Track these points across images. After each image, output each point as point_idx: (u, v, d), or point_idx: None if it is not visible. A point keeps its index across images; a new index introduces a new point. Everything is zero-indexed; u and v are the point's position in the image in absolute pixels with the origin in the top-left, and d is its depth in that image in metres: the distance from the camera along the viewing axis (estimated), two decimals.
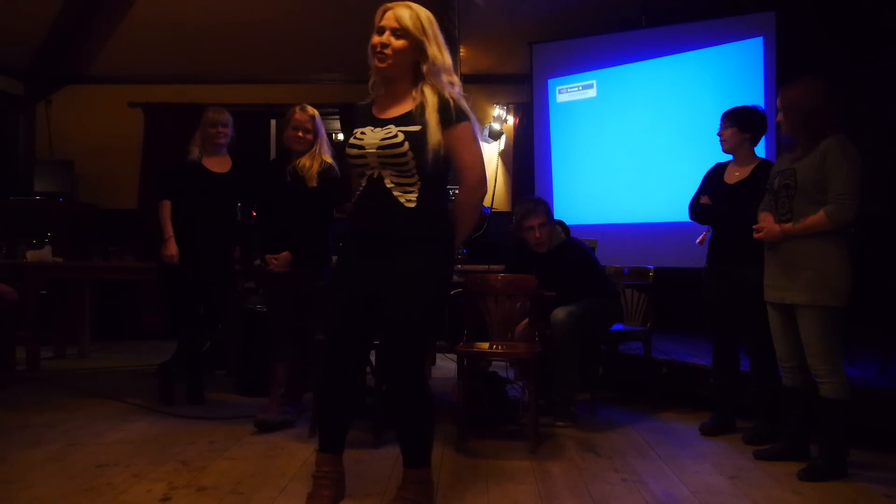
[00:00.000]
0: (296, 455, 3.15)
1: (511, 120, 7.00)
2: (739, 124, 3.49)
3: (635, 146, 6.01)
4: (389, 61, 2.37)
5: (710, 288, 3.56)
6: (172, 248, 4.02)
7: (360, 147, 2.39)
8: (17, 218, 6.33)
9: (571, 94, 6.40)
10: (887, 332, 4.03)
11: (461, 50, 6.56)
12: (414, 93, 2.41)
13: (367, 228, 2.41)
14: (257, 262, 3.81)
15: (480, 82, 7.05)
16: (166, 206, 4.08)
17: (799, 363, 3.02)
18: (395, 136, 2.34)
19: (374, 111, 2.48)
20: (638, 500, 2.65)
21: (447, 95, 2.39)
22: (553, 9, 6.28)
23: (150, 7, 6.32)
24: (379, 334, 2.46)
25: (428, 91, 2.38)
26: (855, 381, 3.12)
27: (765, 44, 5.42)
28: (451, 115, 2.36)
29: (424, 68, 2.38)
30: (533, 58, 6.54)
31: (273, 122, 7.31)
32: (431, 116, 2.34)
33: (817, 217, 2.87)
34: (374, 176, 2.39)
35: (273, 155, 7.21)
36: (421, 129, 2.34)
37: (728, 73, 5.59)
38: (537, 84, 6.55)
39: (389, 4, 2.40)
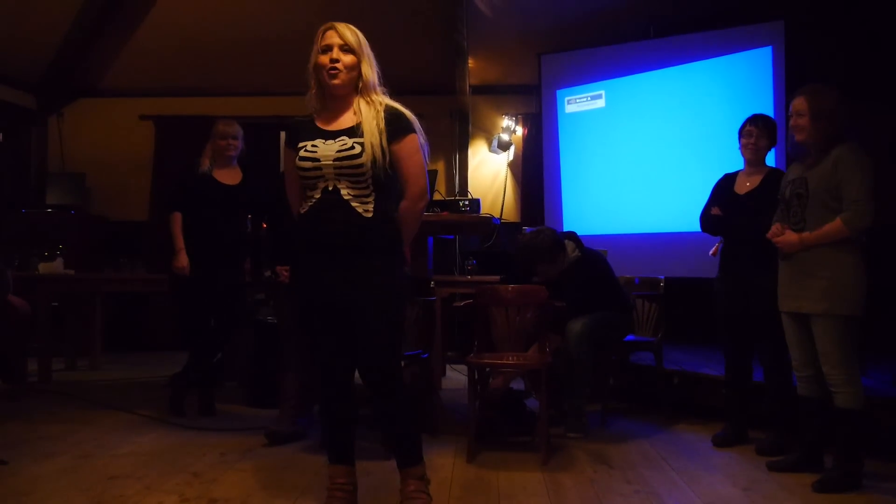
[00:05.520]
0: (307, 467, 3.14)
1: (520, 131, 7.00)
2: (772, 135, 3.50)
3: (644, 156, 6.00)
4: (342, 76, 2.42)
5: (722, 298, 3.54)
6: (183, 260, 4.04)
7: (315, 160, 2.41)
8: (30, 230, 6.37)
9: (580, 104, 6.41)
10: None
11: (470, 61, 6.61)
12: (355, 107, 2.46)
13: (325, 239, 2.42)
14: (268, 273, 3.81)
15: (489, 93, 7.09)
16: (177, 218, 4.10)
17: (815, 372, 2.99)
18: (352, 147, 2.38)
19: (320, 125, 2.50)
20: None
21: (395, 107, 2.47)
22: (561, 20, 6.29)
23: (162, 21, 6.38)
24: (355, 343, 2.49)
25: (364, 105, 2.44)
26: (868, 391, 3.09)
27: (774, 53, 5.41)
28: (399, 127, 2.43)
29: (360, 83, 2.45)
30: (541, 68, 6.55)
31: (283, 133, 7.33)
32: (375, 129, 2.39)
33: (834, 224, 2.86)
34: (330, 188, 2.41)
35: (283, 167, 7.22)
36: (375, 140, 2.39)
37: (737, 83, 5.58)
38: (546, 95, 6.56)
39: (330, 24, 2.46)
